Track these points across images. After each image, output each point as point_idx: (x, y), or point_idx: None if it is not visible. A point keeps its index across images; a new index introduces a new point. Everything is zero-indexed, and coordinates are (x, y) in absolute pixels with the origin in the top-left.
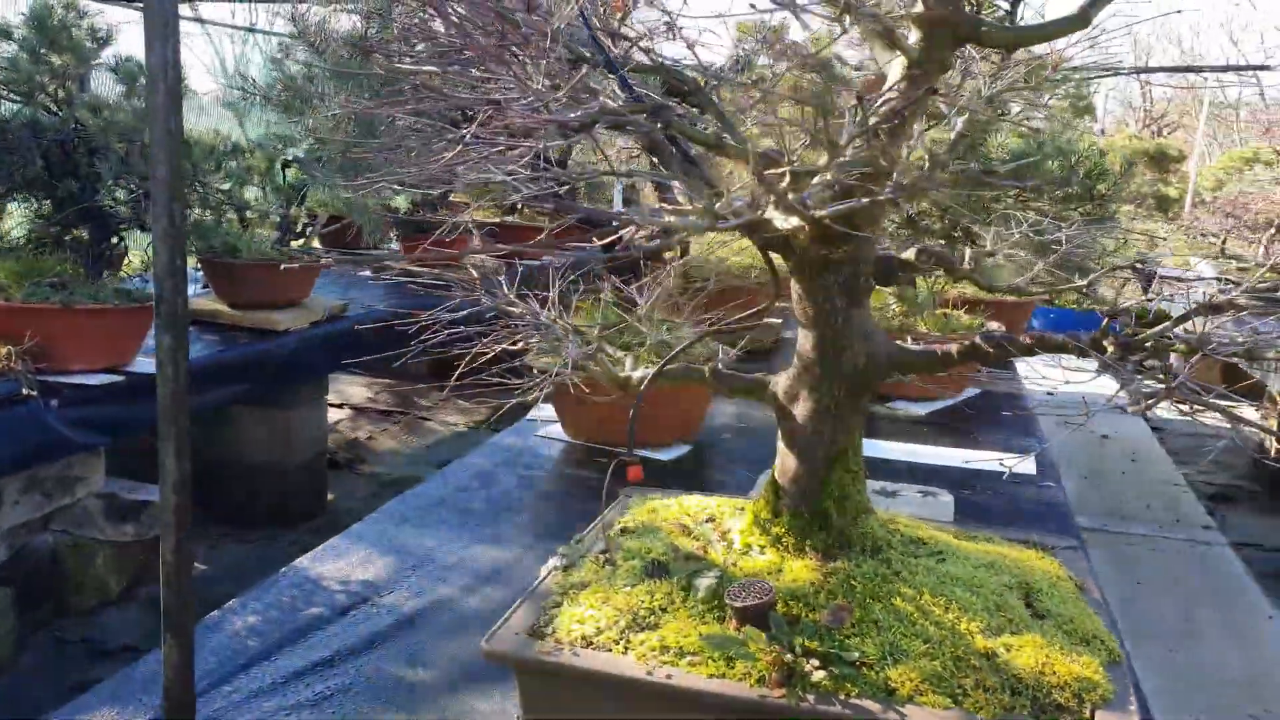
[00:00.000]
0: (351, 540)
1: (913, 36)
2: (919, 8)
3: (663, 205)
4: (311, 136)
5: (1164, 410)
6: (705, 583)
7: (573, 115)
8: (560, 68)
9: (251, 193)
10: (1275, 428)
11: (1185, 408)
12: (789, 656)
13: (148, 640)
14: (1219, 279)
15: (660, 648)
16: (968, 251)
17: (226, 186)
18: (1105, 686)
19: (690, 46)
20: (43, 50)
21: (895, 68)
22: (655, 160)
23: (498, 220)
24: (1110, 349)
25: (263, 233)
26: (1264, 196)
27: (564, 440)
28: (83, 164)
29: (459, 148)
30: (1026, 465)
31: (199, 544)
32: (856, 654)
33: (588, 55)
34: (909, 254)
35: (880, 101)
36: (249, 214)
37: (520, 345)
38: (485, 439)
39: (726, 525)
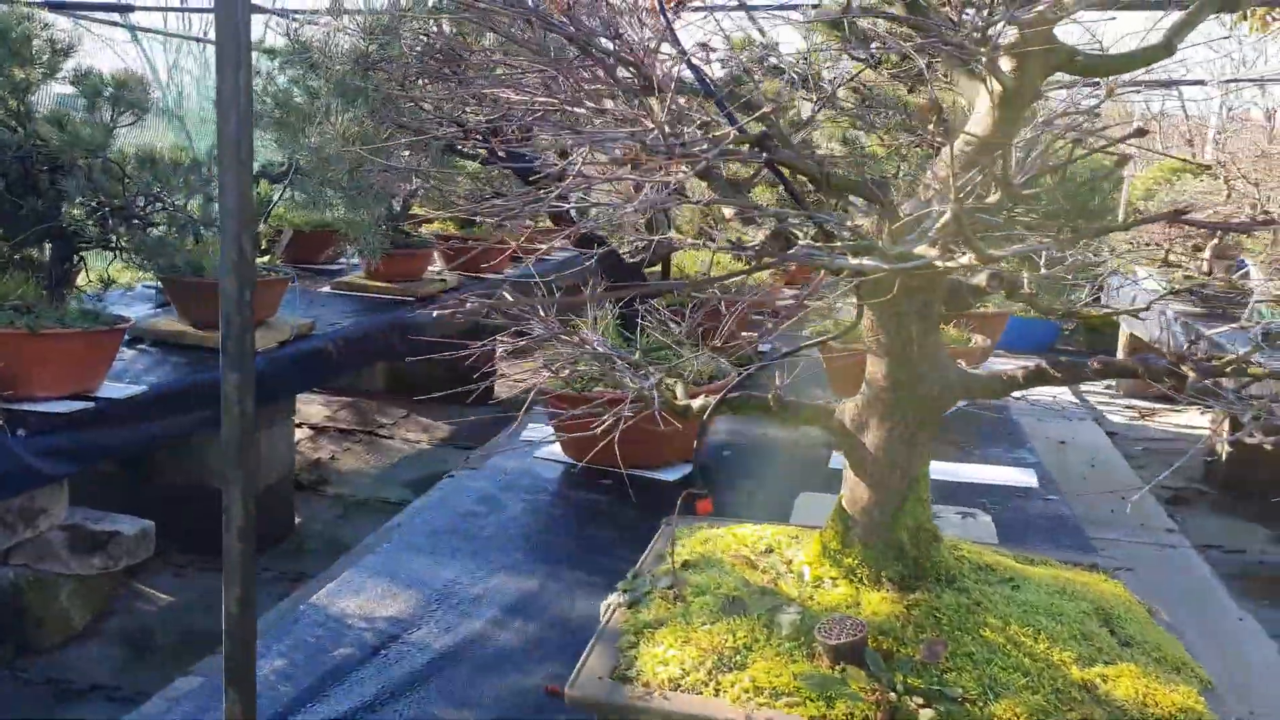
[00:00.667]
0: (367, 574)
1: (1005, 65)
2: (1011, 36)
3: (816, 245)
4: (311, 155)
5: (1116, 417)
6: (788, 619)
7: (701, 150)
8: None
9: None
10: (1225, 432)
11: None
12: (892, 695)
13: (117, 678)
14: (1164, 286)
15: (753, 689)
16: (1025, 274)
17: (191, 204)
18: (1209, 716)
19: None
20: (4, 64)
21: (984, 97)
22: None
23: (459, 234)
24: (1191, 374)
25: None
26: (1200, 206)
27: (565, 461)
28: (43, 181)
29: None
30: (1029, 478)
31: (163, 572)
32: (959, 690)
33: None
34: (980, 279)
35: (982, 131)
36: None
37: (499, 362)
38: (453, 457)
39: (789, 556)
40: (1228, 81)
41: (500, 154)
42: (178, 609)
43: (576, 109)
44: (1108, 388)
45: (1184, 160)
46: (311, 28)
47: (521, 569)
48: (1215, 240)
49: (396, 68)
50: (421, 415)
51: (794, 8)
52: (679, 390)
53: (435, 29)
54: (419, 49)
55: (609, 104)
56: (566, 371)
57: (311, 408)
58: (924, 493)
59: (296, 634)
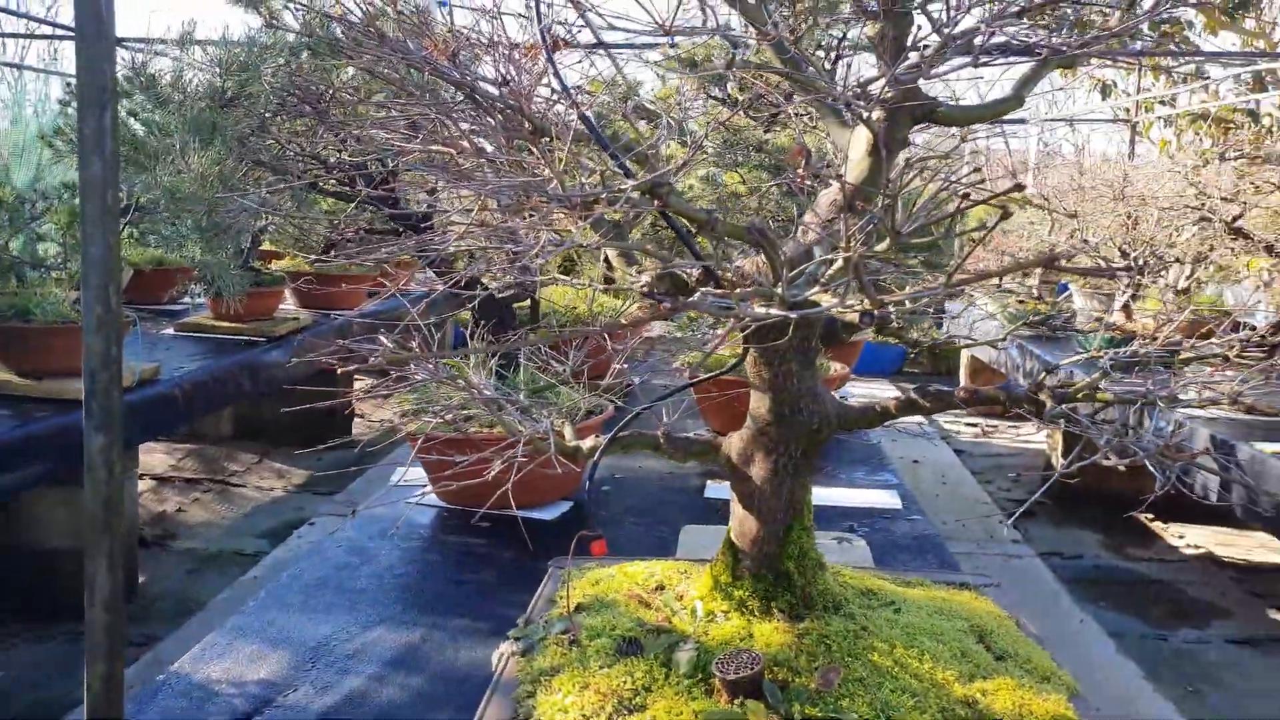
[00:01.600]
0: (233, 635)
1: (875, 115)
2: (879, 88)
3: (721, 292)
4: (165, 194)
5: (964, 436)
6: (685, 656)
7: (580, 195)
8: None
9: (45, 247)
10: (1059, 446)
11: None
12: None
13: None
14: (998, 316)
15: None
16: (892, 308)
17: (13, 243)
18: None
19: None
20: None
21: (859, 144)
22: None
23: (312, 271)
24: (1049, 402)
25: (58, 292)
26: (1027, 236)
27: (438, 505)
28: None
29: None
30: (893, 500)
31: None
32: (854, 716)
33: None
34: (852, 316)
35: (856, 178)
36: (55, 272)
37: (358, 401)
38: (311, 503)
39: (681, 591)
40: (1045, 120)
41: (369, 194)
42: (3, 686)
43: (462, 156)
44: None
45: (1034, 201)
46: (161, 59)
47: (401, 620)
48: (1041, 270)
49: (256, 105)
50: (275, 460)
51: (653, 47)
52: (568, 431)
53: (298, 65)
54: (280, 85)
55: (490, 146)
56: (449, 415)
57: (153, 456)
58: (808, 521)
59: (159, 706)
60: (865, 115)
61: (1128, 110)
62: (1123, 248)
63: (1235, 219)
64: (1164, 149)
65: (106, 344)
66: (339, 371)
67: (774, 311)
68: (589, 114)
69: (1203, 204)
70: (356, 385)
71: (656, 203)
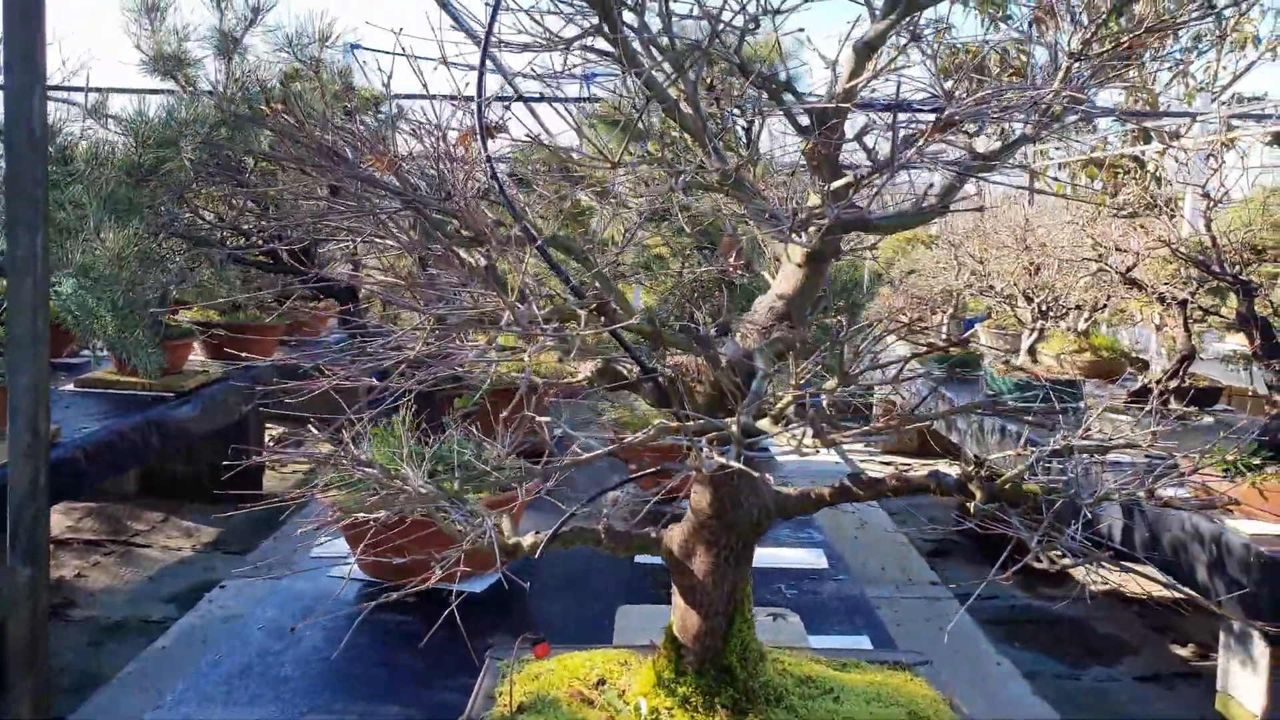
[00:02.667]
0: None
1: (811, 228)
2: (814, 201)
3: (676, 426)
4: (78, 273)
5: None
6: None
7: (530, 326)
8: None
9: None
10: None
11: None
12: None
13: None
14: (910, 358)
15: None
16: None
17: None
18: None
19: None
20: None
21: (794, 252)
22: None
23: (222, 322)
24: (978, 493)
25: None
26: (934, 276)
27: (363, 579)
28: None
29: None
30: (818, 559)
31: None
32: None
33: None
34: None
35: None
36: None
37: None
38: (221, 563)
39: (622, 686)
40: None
41: (290, 262)
42: None
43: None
44: (867, 446)
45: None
46: (73, 124)
47: (333, 710)
48: (951, 306)
49: (174, 177)
50: (183, 518)
51: (578, 100)
52: (506, 525)
53: (217, 138)
54: (200, 160)
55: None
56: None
57: (50, 517)
58: (749, 612)
59: None
60: (802, 239)
61: (1025, 154)
62: (1026, 293)
63: (1129, 269)
64: (1060, 190)
65: (34, 476)
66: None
67: (732, 463)
68: (533, 225)
69: (1099, 255)
70: (267, 435)
71: (603, 319)
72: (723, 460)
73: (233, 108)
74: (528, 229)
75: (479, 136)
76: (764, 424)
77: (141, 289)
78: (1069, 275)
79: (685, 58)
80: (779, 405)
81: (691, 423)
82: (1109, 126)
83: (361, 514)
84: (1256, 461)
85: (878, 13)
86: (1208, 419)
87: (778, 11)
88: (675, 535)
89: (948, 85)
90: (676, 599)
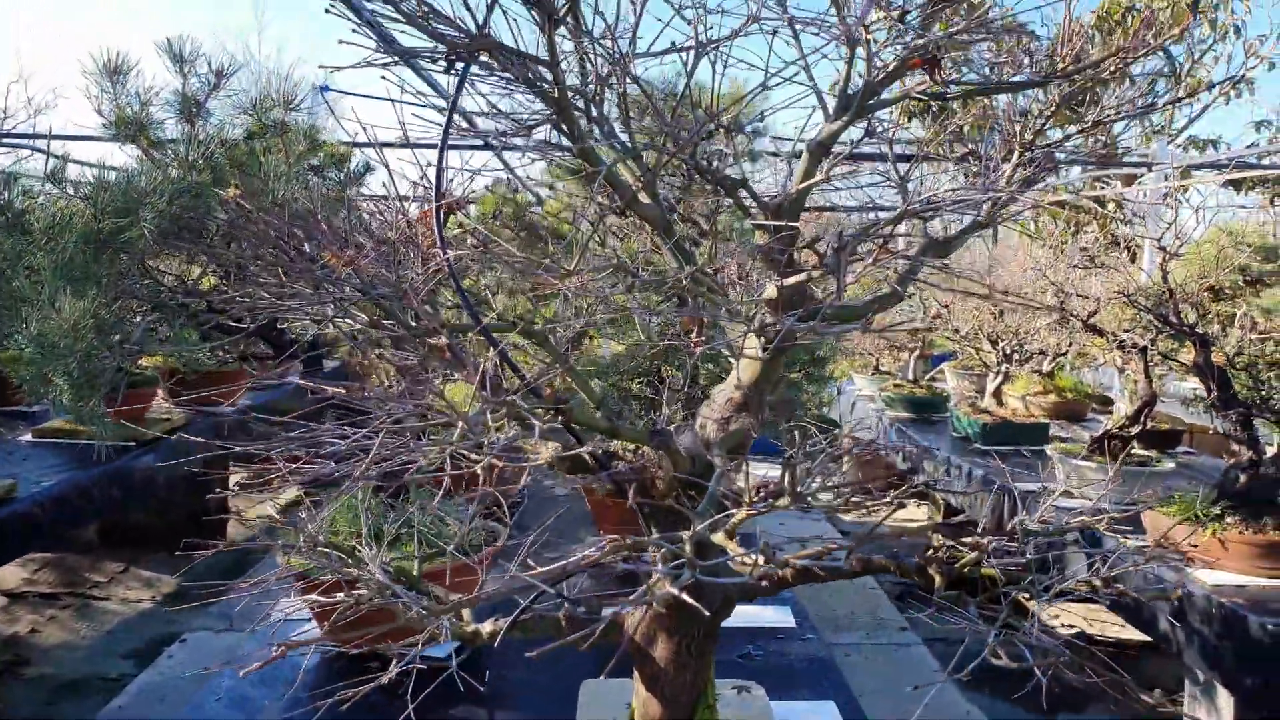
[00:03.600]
0: None
1: (768, 317)
2: (770, 293)
3: (643, 556)
4: (33, 344)
5: (848, 515)
6: None
7: (490, 442)
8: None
9: None
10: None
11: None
12: None
13: None
14: (877, 397)
15: None
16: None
17: None
18: None
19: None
20: None
21: (751, 342)
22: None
23: (183, 370)
24: (938, 577)
25: None
26: (899, 313)
27: (323, 645)
28: None
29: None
30: (786, 617)
31: None
32: None
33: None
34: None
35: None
36: None
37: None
38: (182, 616)
39: None
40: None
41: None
42: None
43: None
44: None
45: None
46: (31, 179)
47: None
48: (918, 345)
49: (135, 245)
50: (143, 568)
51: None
52: (466, 613)
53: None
54: (161, 228)
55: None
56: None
57: (5, 570)
58: (712, 698)
59: None
60: (760, 334)
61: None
62: (990, 336)
63: (1090, 315)
64: (1022, 228)
65: None
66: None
67: (686, 598)
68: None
69: (1061, 301)
70: (232, 480)
71: (562, 419)
72: (674, 592)
73: (195, 176)
74: (487, 333)
75: (439, 238)
76: (718, 538)
77: (98, 358)
78: (1032, 321)
79: (645, 156)
80: (733, 522)
81: (645, 538)
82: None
83: (320, 593)
84: (1216, 511)
85: (831, 114)
86: (1169, 464)
87: (729, 129)
88: (636, 621)
89: (903, 170)
90: (638, 685)
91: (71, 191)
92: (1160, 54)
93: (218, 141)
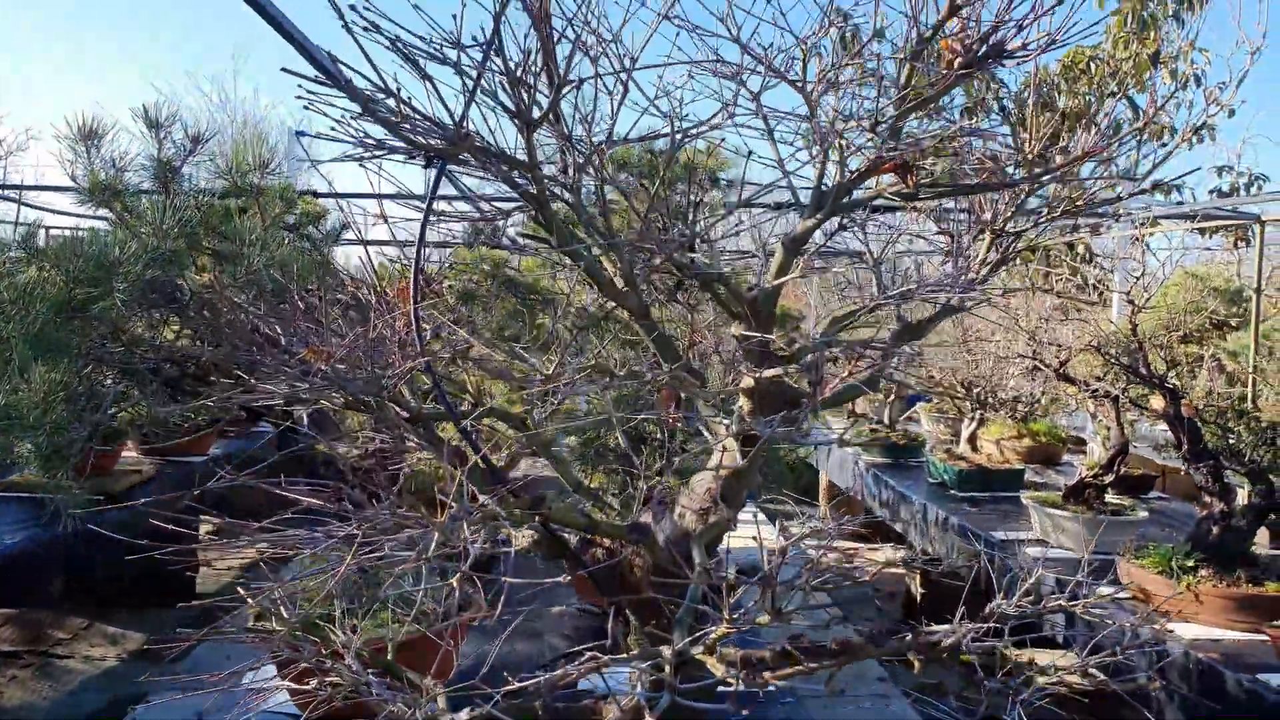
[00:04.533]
0: None
1: (745, 405)
2: (747, 383)
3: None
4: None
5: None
6: None
7: (466, 546)
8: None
9: None
10: (917, 575)
11: None
12: None
13: None
14: (847, 440)
15: None
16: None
17: None
18: None
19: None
20: None
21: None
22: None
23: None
24: (916, 663)
25: None
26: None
27: (295, 715)
28: None
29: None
30: None
31: None
32: None
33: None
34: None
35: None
36: None
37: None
38: (148, 674)
39: None
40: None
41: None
42: None
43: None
44: (814, 529)
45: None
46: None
47: None
48: (892, 387)
49: (108, 313)
50: (108, 623)
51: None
52: (441, 700)
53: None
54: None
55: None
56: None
57: None
58: None
59: None
60: (737, 430)
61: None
62: (965, 383)
63: (1063, 364)
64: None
65: None
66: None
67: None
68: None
69: (1034, 351)
70: (203, 529)
71: (538, 518)
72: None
73: (169, 243)
74: (467, 434)
75: (418, 338)
76: (697, 651)
77: (68, 429)
78: (1006, 368)
79: (622, 248)
80: (714, 637)
81: (622, 652)
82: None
83: (293, 678)
84: (1190, 563)
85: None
86: (1142, 513)
87: (704, 240)
88: (623, 711)
89: (876, 251)
90: None
91: (43, 260)
92: (1126, 102)
93: (193, 206)
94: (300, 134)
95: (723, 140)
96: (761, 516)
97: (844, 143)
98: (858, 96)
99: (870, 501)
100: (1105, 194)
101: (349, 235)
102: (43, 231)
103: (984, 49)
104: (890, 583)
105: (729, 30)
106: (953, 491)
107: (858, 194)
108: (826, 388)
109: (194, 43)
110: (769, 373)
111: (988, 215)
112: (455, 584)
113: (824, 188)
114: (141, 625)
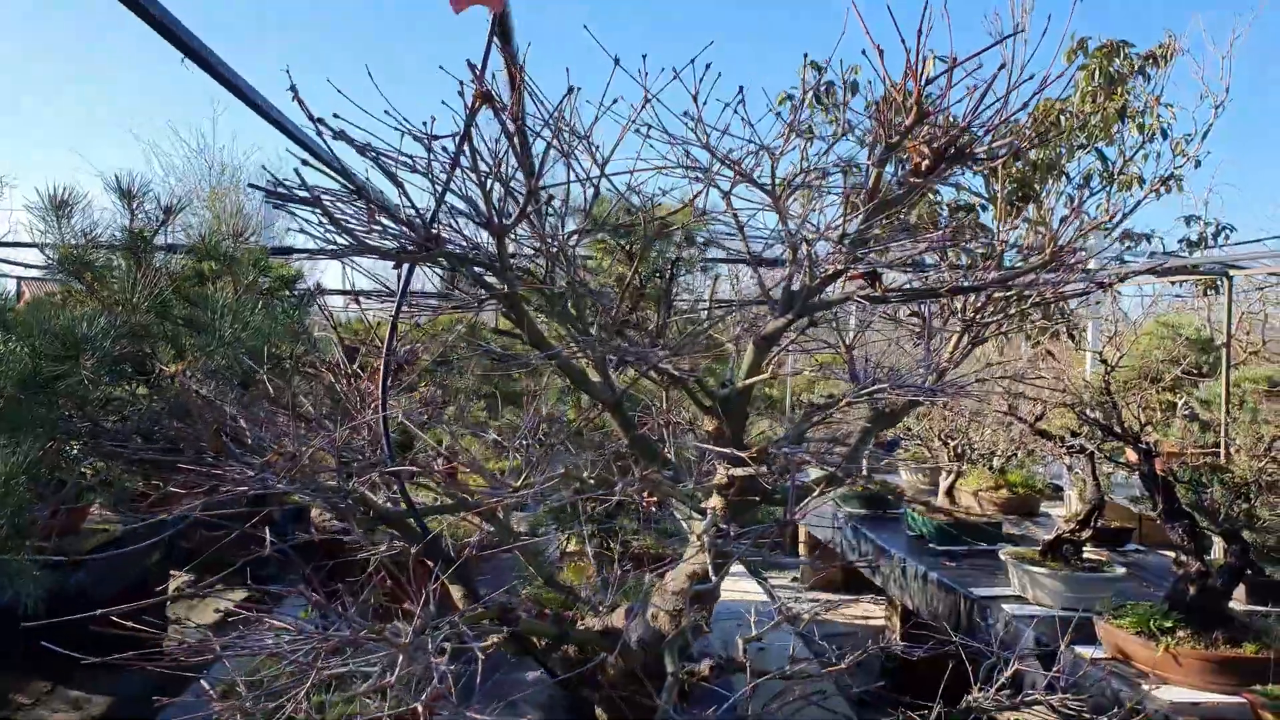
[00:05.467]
0: None
1: (717, 504)
2: (720, 479)
3: None
4: None
5: (802, 609)
6: None
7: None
8: None
9: None
10: (897, 629)
11: None
12: None
13: None
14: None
15: None
16: None
17: None
18: None
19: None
20: None
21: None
22: None
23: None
24: None
25: None
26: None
27: None
28: None
29: None
30: None
31: None
32: None
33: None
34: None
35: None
36: None
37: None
38: None
39: None
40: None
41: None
42: None
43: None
44: (794, 580)
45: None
46: None
47: None
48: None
49: (77, 389)
50: (71, 686)
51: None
52: None
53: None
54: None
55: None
56: None
57: None
58: None
59: None
60: (708, 536)
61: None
62: (942, 438)
63: (1037, 419)
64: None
65: None
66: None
67: None
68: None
69: (1010, 407)
70: (172, 584)
71: (508, 628)
72: None
73: (140, 316)
74: (435, 540)
75: (387, 450)
76: None
77: (30, 509)
78: (982, 421)
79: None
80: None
81: None
82: (1011, 257)
83: None
84: (1168, 624)
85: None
86: (1119, 570)
87: (670, 354)
88: None
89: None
90: None
91: (9, 333)
92: (1096, 153)
93: (166, 277)
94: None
95: (702, 213)
96: (740, 568)
97: (811, 252)
98: (827, 190)
99: (850, 554)
100: (1075, 287)
101: (328, 284)
102: (13, 284)
103: (951, 152)
104: (869, 631)
105: (698, 137)
106: (932, 545)
107: (828, 293)
108: (799, 508)
109: (173, 88)
110: (740, 472)
111: (958, 305)
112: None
113: (794, 288)
114: (108, 688)
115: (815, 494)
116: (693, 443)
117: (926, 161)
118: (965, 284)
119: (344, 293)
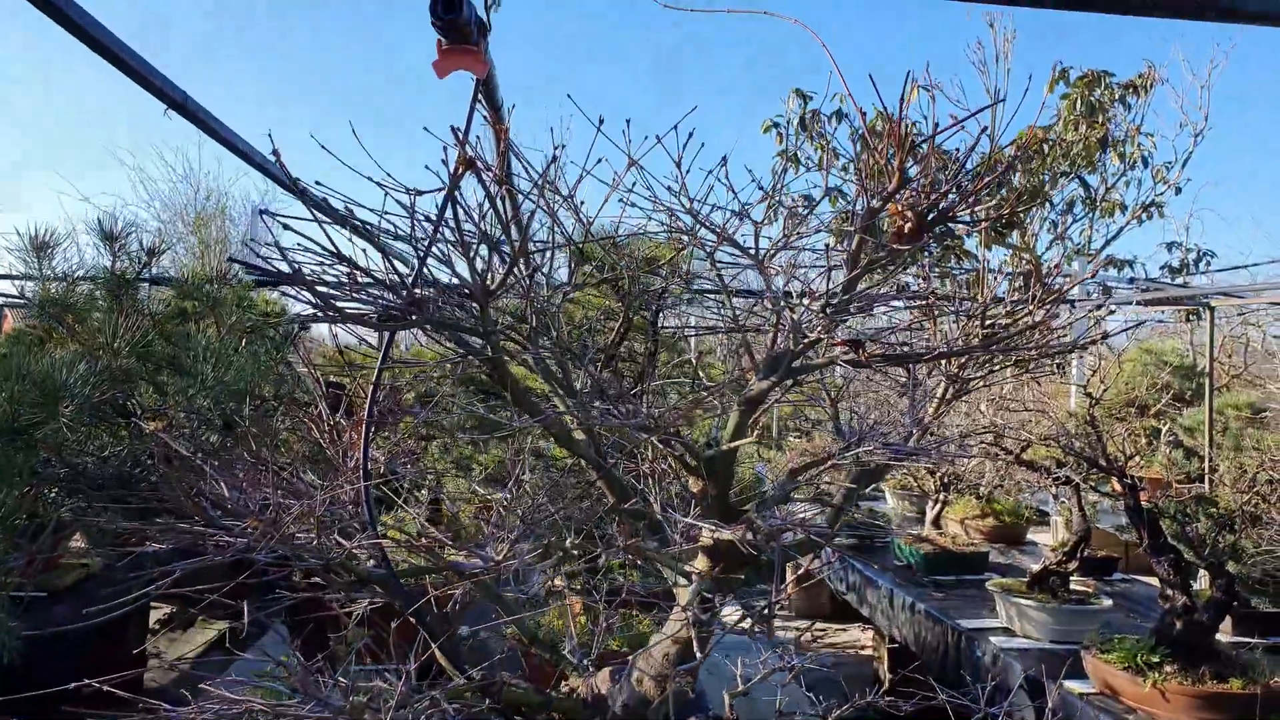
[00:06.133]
0: None
1: (703, 566)
2: (705, 540)
3: None
4: None
5: (789, 636)
6: None
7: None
8: None
9: None
10: (885, 659)
11: None
12: None
13: None
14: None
15: None
16: None
17: None
18: None
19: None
20: None
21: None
22: None
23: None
24: None
25: None
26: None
27: None
28: None
29: None
30: None
31: None
32: None
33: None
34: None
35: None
36: None
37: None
38: None
39: None
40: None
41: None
42: None
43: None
44: (782, 608)
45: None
46: None
47: None
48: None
49: (56, 436)
50: None
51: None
52: None
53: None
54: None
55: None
56: None
57: None
58: None
59: None
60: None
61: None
62: (928, 468)
63: (1022, 450)
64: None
65: None
66: None
67: None
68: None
69: (995, 439)
70: (154, 617)
71: (490, 700)
72: None
73: (121, 360)
74: (414, 604)
75: (370, 520)
76: None
77: (7, 559)
78: (969, 452)
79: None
80: None
81: None
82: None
83: None
84: (1155, 659)
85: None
86: (1106, 601)
87: (654, 426)
88: None
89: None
90: None
91: None
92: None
93: (148, 318)
94: (264, 212)
95: (684, 246)
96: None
97: (795, 318)
98: (809, 251)
99: (837, 584)
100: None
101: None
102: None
103: (933, 215)
104: (856, 664)
105: (682, 204)
106: (919, 575)
107: (811, 356)
108: (784, 586)
109: (158, 111)
110: (725, 536)
111: (942, 364)
112: None
113: (778, 350)
114: None
115: (801, 570)
116: (675, 516)
117: (909, 224)
118: (948, 349)
119: (329, 320)
